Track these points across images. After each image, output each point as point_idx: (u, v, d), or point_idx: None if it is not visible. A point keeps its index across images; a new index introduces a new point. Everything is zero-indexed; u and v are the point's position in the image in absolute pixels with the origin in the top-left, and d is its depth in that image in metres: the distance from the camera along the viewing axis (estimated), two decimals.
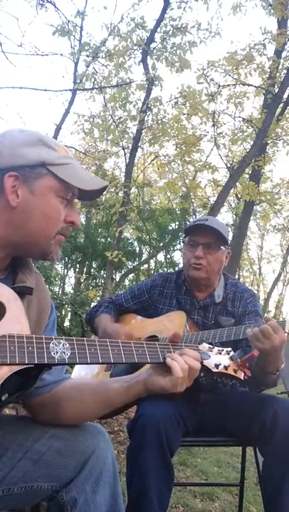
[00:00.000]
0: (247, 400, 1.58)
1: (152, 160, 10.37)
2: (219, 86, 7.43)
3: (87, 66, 5.68)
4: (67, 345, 0.87)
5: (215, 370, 1.07)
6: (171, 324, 1.70)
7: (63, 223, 0.99)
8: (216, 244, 1.73)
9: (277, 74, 6.95)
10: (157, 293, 1.83)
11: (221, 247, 1.74)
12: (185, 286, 1.81)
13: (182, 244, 1.88)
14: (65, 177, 0.96)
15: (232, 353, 1.11)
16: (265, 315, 1.73)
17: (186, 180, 9.70)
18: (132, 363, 0.94)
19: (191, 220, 10.76)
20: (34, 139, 0.97)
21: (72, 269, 13.79)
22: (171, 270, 3.51)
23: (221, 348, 1.10)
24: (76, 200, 1.05)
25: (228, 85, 7.59)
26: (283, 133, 7.96)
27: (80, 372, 1.82)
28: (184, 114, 7.57)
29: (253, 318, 1.70)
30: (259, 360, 1.42)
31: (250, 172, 7.77)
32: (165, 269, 10.96)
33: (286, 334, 1.41)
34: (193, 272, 1.73)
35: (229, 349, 1.12)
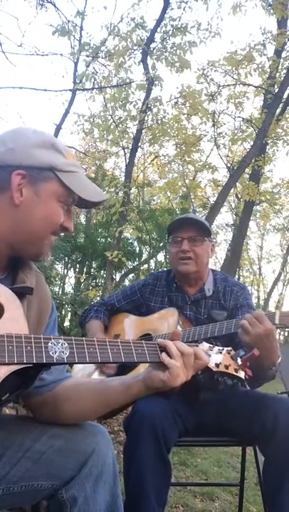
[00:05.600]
0: (248, 400, 1.58)
1: (152, 160, 10.37)
2: (219, 86, 7.44)
3: (87, 66, 5.68)
4: (66, 344, 0.87)
5: (215, 369, 1.07)
6: (164, 322, 1.72)
7: (59, 227, 1.01)
8: (201, 236, 1.76)
9: (277, 74, 6.96)
10: (148, 291, 1.85)
11: (206, 238, 1.77)
12: (175, 283, 1.83)
13: (167, 243, 1.90)
14: (70, 184, 0.98)
15: (233, 352, 1.11)
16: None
17: (186, 180, 9.71)
18: (130, 363, 0.94)
19: None
20: (47, 142, 0.99)
21: (72, 269, 13.79)
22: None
23: (221, 348, 1.10)
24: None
25: (228, 85, 7.60)
26: (283, 133, 7.97)
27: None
28: (184, 114, 7.57)
29: (246, 312, 1.68)
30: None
31: (250, 172, 7.78)
32: (165, 269, 10.95)
33: (276, 327, 1.39)
34: (182, 266, 1.75)
35: (230, 348, 1.12)
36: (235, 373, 1.08)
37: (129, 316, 1.89)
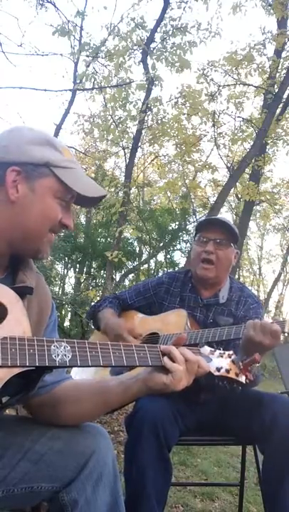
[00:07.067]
0: (247, 399, 1.59)
1: (152, 160, 10.36)
2: (219, 86, 7.42)
3: (87, 66, 5.67)
4: (69, 347, 0.87)
5: (216, 373, 1.07)
6: (173, 322, 1.71)
7: (58, 224, 1.01)
8: (227, 241, 1.74)
9: (277, 74, 6.94)
10: (163, 290, 1.84)
11: (232, 244, 1.75)
12: (191, 283, 1.81)
13: (193, 241, 1.89)
14: (66, 180, 0.98)
15: (234, 357, 1.10)
16: (265, 315, 1.74)
17: (186, 180, 9.69)
18: (132, 366, 0.94)
19: (192, 219, 10.77)
20: (42, 139, 0.99)
21: (72, 269, 13.75)
22: (179, 269, 3.46)
23: (222, 352, 1.10)
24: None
25: (228, 85, 7.58)
26: (283, 133, 7.95)
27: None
28: (184, 114, 7.56)
29: None
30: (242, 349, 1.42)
31: (250, 172, 7.76)
32: (165, 269, 10.94)
33: (286, 334, 1.42)
34: (202, 271, 1.73)
35: (231, 352, 1.11)
36: (236, 378, 1.08)
37: (138, 314, 1.88)
